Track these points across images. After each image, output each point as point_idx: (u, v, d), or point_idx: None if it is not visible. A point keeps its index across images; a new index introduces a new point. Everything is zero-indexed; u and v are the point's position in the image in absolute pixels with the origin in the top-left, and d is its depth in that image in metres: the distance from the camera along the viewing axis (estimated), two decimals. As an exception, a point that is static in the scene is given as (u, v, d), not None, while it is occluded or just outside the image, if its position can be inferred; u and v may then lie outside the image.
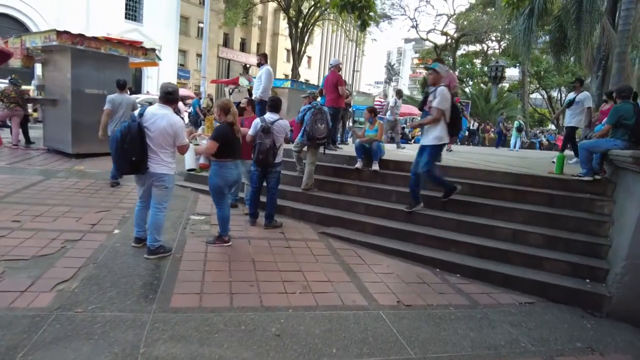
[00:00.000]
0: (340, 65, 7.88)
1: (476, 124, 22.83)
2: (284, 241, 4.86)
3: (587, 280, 4.12)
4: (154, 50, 9.60)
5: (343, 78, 7.70)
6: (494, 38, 38.29)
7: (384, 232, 5.19)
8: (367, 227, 5.33)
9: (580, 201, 4.95)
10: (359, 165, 6.38)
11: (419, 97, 36.39)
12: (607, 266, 4.12)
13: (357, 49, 45.13)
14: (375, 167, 6.23)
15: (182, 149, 4.06)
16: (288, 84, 13.39)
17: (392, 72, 78.12)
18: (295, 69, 34.23)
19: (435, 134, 4.91)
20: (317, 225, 5.60)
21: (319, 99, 7.16)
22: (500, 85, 30.83)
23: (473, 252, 4.65)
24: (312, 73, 56.04)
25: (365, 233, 5.29)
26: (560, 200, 5.04)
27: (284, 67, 47.17)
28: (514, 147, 18.10)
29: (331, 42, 67.40)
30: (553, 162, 7.51)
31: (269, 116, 5.17)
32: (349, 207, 5.78)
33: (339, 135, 9.99)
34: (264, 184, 5.29)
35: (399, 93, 11.47)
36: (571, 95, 8.11)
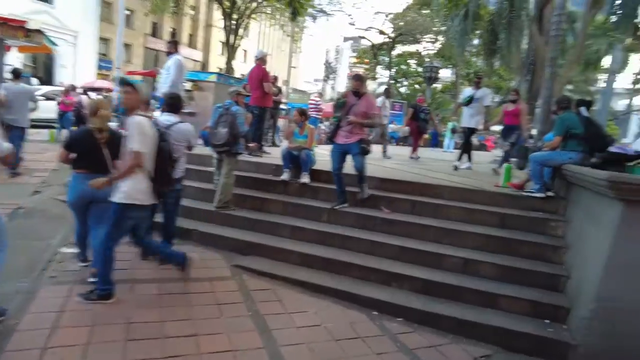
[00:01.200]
0: (267, 58, 6.83)
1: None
2: (181, 284, 3.74)
3: (547, 322, 3.47)
4: (40, 32, 7.86)
5: (271, 73, 6.67)
6: (428, 39, 39.13)
7: (313, 262, 4.26)
8: (291, 256, 4.35)
9: (533, 222, 4.35)
10: (285, 176, 5.39)
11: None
12: (568, 304, 3.49)
13: (294, 44, 44.15)
14: (305, 179, 5.27)
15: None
16: (214, 77, 11.99)
17: (330, 70, 78.17)
18: (229, 62, 32.49)
19: None
20: (232, 255, 4.54)
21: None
22: (433, 86, 31.39)
23: (418, 287, 3.85)
24: (247, 67, 53.41)
25: (290, 264, 4.32)
26: (512, 221, 4.41)
27: (218, 61, 44.91)
28: (448, 148, 18.16)
29: (268, 37, 65.70)
30: (494, 169, 7.08)
31: (164, 118, 4.01)
32: (271, 229, 4.77)
33: (270, 137, 8.94)
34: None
35: (387, 92, 10.29)
36: (469, 91, 7.45)
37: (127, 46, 32.45)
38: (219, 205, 5.06)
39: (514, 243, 4.12)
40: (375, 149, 7.21)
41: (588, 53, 24.25)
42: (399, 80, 38.19)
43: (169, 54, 6.47)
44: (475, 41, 27.77)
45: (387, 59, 34.72)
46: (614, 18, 17.19)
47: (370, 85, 36.52)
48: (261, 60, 6.64)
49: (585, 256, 3.52)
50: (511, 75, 33.11)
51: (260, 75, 6.46)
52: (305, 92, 20.94)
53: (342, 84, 76.88)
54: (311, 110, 12.25)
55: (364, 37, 35.35)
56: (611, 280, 3.08)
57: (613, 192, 2.96)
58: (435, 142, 19.46)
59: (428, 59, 30.98)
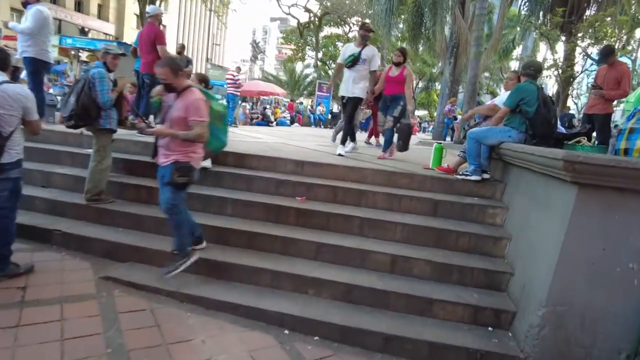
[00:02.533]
0: (161, 16, 5.62)
1: (338, 107, 22.35)
2: (16, 312, 2.64)
3: (490, 329, 2.91)
4: None
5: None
6: (354, 22, 38.87)
7: (209, 269, 3.35)
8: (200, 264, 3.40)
9: (469, 209, 3.80)
10: (180, 160, 4.34)
11: (284, 77, 35.08)
12: (513, 306, 2.96)
13: (218, 20, 41.61)
14: (206, 163, 4.28)
15: None
16: (114, 46, 10.38)
17: (257, 50, 75.81)
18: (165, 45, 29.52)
19: None
20: (106, 262, 3.49)
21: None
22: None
23: (340, 294, 3.12)
24: (167, 44, 50.15)
25: (182, 271, 3.36)
26: (446, 208, 3.83)
27: (132, 35, 40.80)
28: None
29: (190, 12, 61.52)
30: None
31: (-18, 78, 2.80)
32: (159, 227, 3.75)
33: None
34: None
35: None
36: (352, 48, 5.44)
37: (19, 12, 28.32)
38: (89, 197, 3.92)
39: (448, 234, 3.53)
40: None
41: (503, 42, 25.46)
42: (326, 62, 37.61)
43: (25, 4, 5.01)
44: (401, 25, 28.02)
45: (314, 39, 33.82)
46: (525, 9, 18.05)
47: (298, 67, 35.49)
48: (154, 18, 5.44)
49: (532, 249, 2.99)
50: (434, 60, 34.14)
51: (152, 36, 5.27)
52: (226, 69, 19.36)
53: (270, 65, 74.97)
54: (229, 86, 11.10)
55: (289, 14, 34.07)
56: (565, 278, 2.55)
57: (569, 174, 2.40)
58: (366, 124, 19.12)
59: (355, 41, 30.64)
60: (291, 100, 20.77)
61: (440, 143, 4.79)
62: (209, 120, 3.11)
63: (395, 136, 5.71)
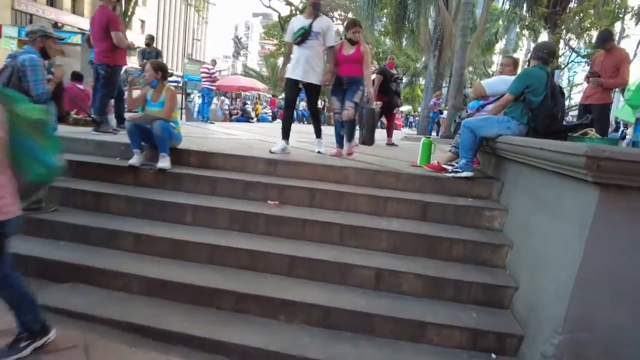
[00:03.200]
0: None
1: (322, 103, 21.86)
2: None
3: (494, 357, 2.47)
4: None
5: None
6: (337, 16, 38.34)
7: (163, 291, 2.83)
8: (132, 283, 2.88)
9: (463, 211, 3.35)
10: (135, 160, 3.80)
11: (267, 72, 34.34)
12: (519, 329, 2.52)
13: (198, 15, 40.61)
14: (163, 163, 3.75)
15: None
16: (78, 38, 9.47)
17: (239, 46, 74.77)
18: (123, 32, 28.41)
19: None
20: (41, 284, 2.89)
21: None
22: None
23: (315, 319, 2.63)
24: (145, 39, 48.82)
25: (128, 294, 2.85)
26: (437, 211, 3.38)
27: (109, 31, 39.62)
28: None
29: (169, 6, 60.07)
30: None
31: None
32: (107, 240, 3.22)
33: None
34: None
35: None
36: (301, 21, 4.46)
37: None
38: (27, 205, 3.34)
39: (440, 242, 3.08)
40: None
41: (486, 35, 25.26)
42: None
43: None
44: (384, 19, 27.59)
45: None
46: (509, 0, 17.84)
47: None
48: (106, 1, 4.83)
49: (539, 260, 2.55)
50: (418, 55, 33.84)
51: (104, 22, 4.68)
52: (204, 63, 18.62)
53: (253, 61, 73.81)
54: (204, 80, 10.50)
55: (270, 7, 33.37)
56: (585, 298, 2.11)
57: (591, 173, 1.95)
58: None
59: (337, 36, 30.08)
60: (273, 96, 20.15)
61: (429, 138, 4.33)
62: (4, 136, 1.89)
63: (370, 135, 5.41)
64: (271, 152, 4.27)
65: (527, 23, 13.67)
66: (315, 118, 5.08)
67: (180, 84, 16.31)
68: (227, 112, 14.47)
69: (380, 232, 3.13)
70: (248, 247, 3.03)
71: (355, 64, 4.55)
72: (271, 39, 41.99)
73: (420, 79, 37.73)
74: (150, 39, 7.40)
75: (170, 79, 16.81)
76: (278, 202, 3.50)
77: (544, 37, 17.05)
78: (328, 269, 2.90)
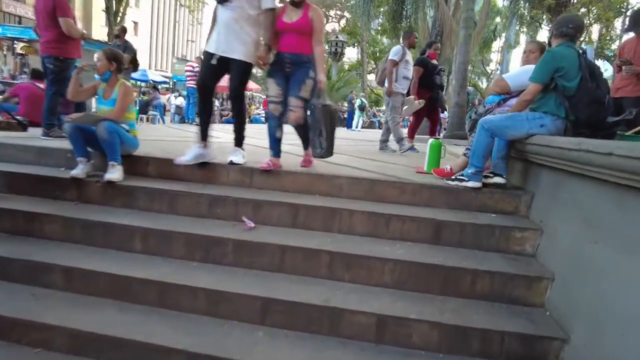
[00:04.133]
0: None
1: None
2: None
3: None
4: None
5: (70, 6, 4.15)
6: (333, 15, 37.72)
7: (95, 348, 2.10)
8: (56, 339, 2.15)
9: (486, 232, 2.64)
10: (79, 171, 3.08)
11: (260, 73, 33.56)
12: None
13: (191, 15, 39.85)
14: (113, 174, 3.02)
15: None
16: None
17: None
18: (111, 34, 27.72)
19: None
20: None
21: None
22: (339, 63, 29.99)
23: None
24: (139, 41, 48.08)
25: (52, 352, 2.13)
26: (453, 232, 2.67)
27: (101, 33, 38.71)
28: (356, 126, 16.80)
29: (163, 8, 59.26)
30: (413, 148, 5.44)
31: None
32: (31, 276, 2.50)
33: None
34: None
35: (408, 36, 5.82)
36: None
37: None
38: None
39: (460, 275, 2.36)
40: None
41: (484, 32, 24.62)
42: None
43: None
44: (380, 19, 26.92)
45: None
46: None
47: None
48: (55, -19, 4.10)
49: (612, 311, 1.83)
50: (416, 54, 33.15)
51: (50, 6, 3.95)
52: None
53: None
54: (189, 78, 9.79)
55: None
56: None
57: None
58: (350, 121, 17.83)
59: (333, 34, 29.35)
60: (266, 96, 19.44)
61: (438, 138, 3.61)
62: None
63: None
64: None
65: (531, 15, 12.96)
66: (239, 113, 3.47)
67: (170, 85, 15.64)
68: (217, 113, 13.74)
69: (382, 262, 2.41)
70: (209, 285, 2.31)
71: (301, 37, 3.16)
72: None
73: (418, 78, 36.84)
74: (121, 31, 6.68)
75: (157, 79, 16.26)
76: (253, 222, 2.78)
77: (544, 33, 16.43)
78: (313, 315, 2.18)
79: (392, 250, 2.52)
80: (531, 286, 2.31)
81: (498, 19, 29.11)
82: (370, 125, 23.34)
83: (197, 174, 3.23)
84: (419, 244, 2.65)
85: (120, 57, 3.31)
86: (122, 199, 3.03)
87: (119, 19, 29.23)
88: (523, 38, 29.16)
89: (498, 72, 26.96)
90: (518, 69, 3.31)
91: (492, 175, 2.93)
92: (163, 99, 12.60)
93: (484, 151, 2.86)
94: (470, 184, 2.88)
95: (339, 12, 36.34)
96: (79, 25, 4.17)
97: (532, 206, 2.82)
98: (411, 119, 6.03)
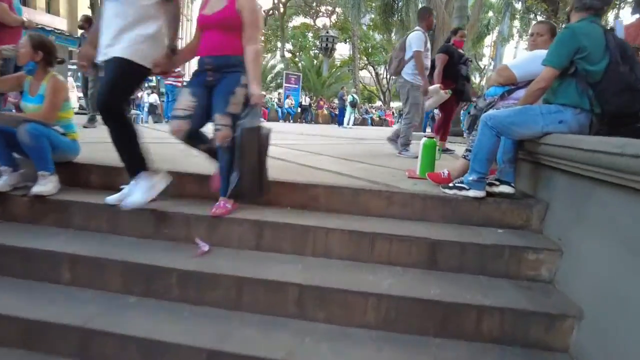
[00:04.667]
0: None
1: (308, 99, 20.69)
2: None
3: None
4: None
5: None
6: (324, 11, 37.21)
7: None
8: None
9: (492, 253, 2.15)
10: (1, 183, 2.55)
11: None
12: None
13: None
14: (42, 187, 2.50)
15: None
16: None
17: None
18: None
19: None
20: None
21: None
22: (330, 59, 29.49)
23: None
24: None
25: None
26: (452, 254, 2.17)
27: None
28: (348, 123, 16.32)
29: (152, 6, 58.10)
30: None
31: None
32: None
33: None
34: None
35: (424, 14, 4.83)
36: None
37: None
38: None
39: (461, 312, 1.87)
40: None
41: (478, 26, 24.21)
42: (296, 53, 35.80)
43: None
44: (370, 15, 26.44)
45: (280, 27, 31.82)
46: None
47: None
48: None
49: None
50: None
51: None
52: None
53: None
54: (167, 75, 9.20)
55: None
56: None
57: None
58: (342, 118, 17.25)
59: (324, 30, 28.80)
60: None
61: (432, 137, 3.12)
62: None
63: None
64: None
65: (526, 5, 12.51)
66: (116, 134, 2.32)
67: (154, 82, 15.06)
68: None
69: (365, 297, 1.91)
70: (144, 331, 1.80)
71: (226, 33, 2.31)
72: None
73: (411, 74, 36.47)
74: (85, 21, 6.08)
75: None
76: (207, 245, 2.27)
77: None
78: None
79: (377, 280, 2.02)
80: (552, 326, 1.82)
81: (491, 13, 28.74)
82: (362, 122, 22.89)
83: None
84: (411, 269, 2.15)
85: (50, 46, 2.76)
86: (54, 216, 2.51)
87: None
88: (516, 35, 28.87)
89: (492, 66, 26.55)
90: (525, 56, 2.82)
91: (497, 183, 2.44)
92: (152, 97, 11.96)
93: (487, 154, 2.37)
94: (472, 193, 2.40)
95: (329, 8, 35.79)
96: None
97: (547, 219, 2.34)
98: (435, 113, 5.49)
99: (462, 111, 6.81)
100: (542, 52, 2.68)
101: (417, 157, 4.11)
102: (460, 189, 2.44)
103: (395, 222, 2.41)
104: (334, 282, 1.96)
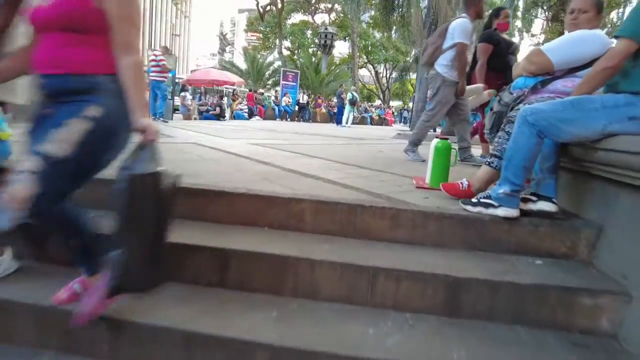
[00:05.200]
0: None
1: (306, 97, 20.12)
2: None
3: None
4: None
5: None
6: (323, 8, 36.67)
7: None
8: None
9: (533, 299, 1.60)
10: None
11: (244, 66, 32.50)
12: None
13: (176, 8, 38.54)
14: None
15: None
16: None
17: (224, 42, 73.14)
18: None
19: None
20: None
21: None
22: (329, 57, 28.94)
23: None
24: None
25: None
26: (479, 298, 1.62)
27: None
28: (347, 122, 15.76)
29: (150, 2, 57.58)
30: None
31: None
32: None
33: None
34: None
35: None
36: None
37: None
38: None
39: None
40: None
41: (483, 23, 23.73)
42: (294, 51, 35.25)
43: None
44: (369, 12, 25.91)
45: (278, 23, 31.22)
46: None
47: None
48: None
49: None
50: (408, 48, 32.14)
51: None
52: (171, 55, 16.20)
53: (240, 57, 71.94)
54: (152, 70, 8.67)
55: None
56: None
57: None
58: (340, 117, 16.61)
59: (323, 26, 28.18)
60: (250, 90, 18.32)
61: (446, 138, 2.56)
62: None
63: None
64: None
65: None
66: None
67: (148, 80, 14.50)
68: (192, 108, 12.60)
69: (361, 365, 1.36)
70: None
71: (74, 36, 1.35)
72: (255, 33, 40.20)
73: (411, 73, 36.27)
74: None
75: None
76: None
77: (538, 23, 15.51)
78: None
79: (378, 336, 1.47)
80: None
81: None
82: (361, 121, 22.36)
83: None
84: (425, 318, 1.60)
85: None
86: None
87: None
88: (517, 35, 28.35)
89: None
90: (564, 37, 2.26)
91: (533, 198, 1.90)
92: None
93: (525, 159, 1.81)
94: (502, 211, 1.84)
95: (328, 5, 35.23)
96: None
97: (599, 247, 1.79)
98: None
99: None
100: (586, 33, 2.15)
101: (424, 161, 3.51)
102: (487, 205, 1.89)
103: (402, 250, 1.85)
104: (321, 342, 1.41)
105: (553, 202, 1.87)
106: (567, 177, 2.10)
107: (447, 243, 1.91)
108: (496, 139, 2.23)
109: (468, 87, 3.86)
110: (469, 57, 3.94)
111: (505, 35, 4.09)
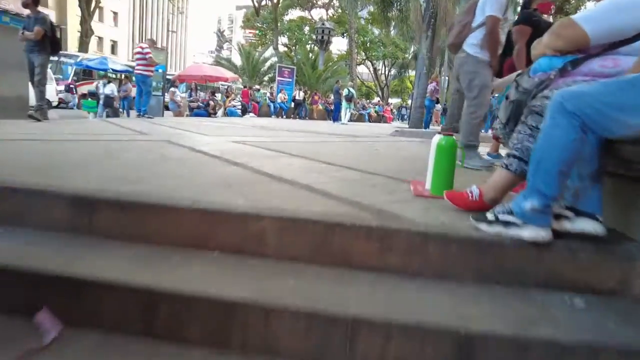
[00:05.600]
0: None
1: (302, 94, 19.63)
2: None
3: None
4: None
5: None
6: (320, 3, 36.18)
7: None
8: None
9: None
10: None
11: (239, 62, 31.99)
12: None
13: (172, 5, 37.97)
14: None
15: None
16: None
17: (222, 39, 72.64)
18: (85, 22, 26.09)
19: None
20: None
21: None
22: (327, 54, 28.42)
23: None
24: (119, 32, 46.06)
25: None
26: (499, 357, 1.15)
27: (77, 22, 36.82)
28: (344, 119, 15.28)
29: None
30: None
31: None
32: None
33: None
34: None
35: None
36: None
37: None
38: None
39: None
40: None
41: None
42: (291, 47, 34.75)
43: None
44: (367, 9, 25.41)
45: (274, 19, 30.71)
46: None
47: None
48: None
49: None
50: (407, 45, 31.66)
51: None
52: (162, 50, 15.38)
53: (236, 54, 71.30)
54: (138, 64, 8.19)
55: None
56: None
57: None
58: (337, 114, 16.14)
59: (320, 22, 27.63)
60: (244, 87, 17.83)
61: (450, 134, 2.08)
62: None
63: None
64: None
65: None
66: None
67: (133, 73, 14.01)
68: (182, 104, 12.10)
69: None
70: None
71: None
72: (252, 30, 39.69)
73: (410, 70, 35.85)
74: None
75: (118, 68, 14.58)
76: (56, 326, 1.24)
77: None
78: None
79: None
80: None
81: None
82: (359, 118, 21.89)
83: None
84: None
85: None
86: None
87: (92, 6, 27.59)
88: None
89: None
90: (603, 3, 1.78)
91: (569, 214, 1.42)
92: (108, 88, 10.76)
93: (561, 162, 1.34)
94: (528, 232, 1.37)
95: (325, 0, 34.73)
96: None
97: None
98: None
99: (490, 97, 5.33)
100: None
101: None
102: (508, 224, 1.42)
103: (394, 285, 1.38)
104: None
105: (597, 220, 1.39)
106: (615, 185, 1.62)
107: (454, 274, 1.43)
108: (515, 135, 1.75)
109: (501, 80, 3.34)
110: (503, 38, 3.35)
111: (546, 17, 3.53)
